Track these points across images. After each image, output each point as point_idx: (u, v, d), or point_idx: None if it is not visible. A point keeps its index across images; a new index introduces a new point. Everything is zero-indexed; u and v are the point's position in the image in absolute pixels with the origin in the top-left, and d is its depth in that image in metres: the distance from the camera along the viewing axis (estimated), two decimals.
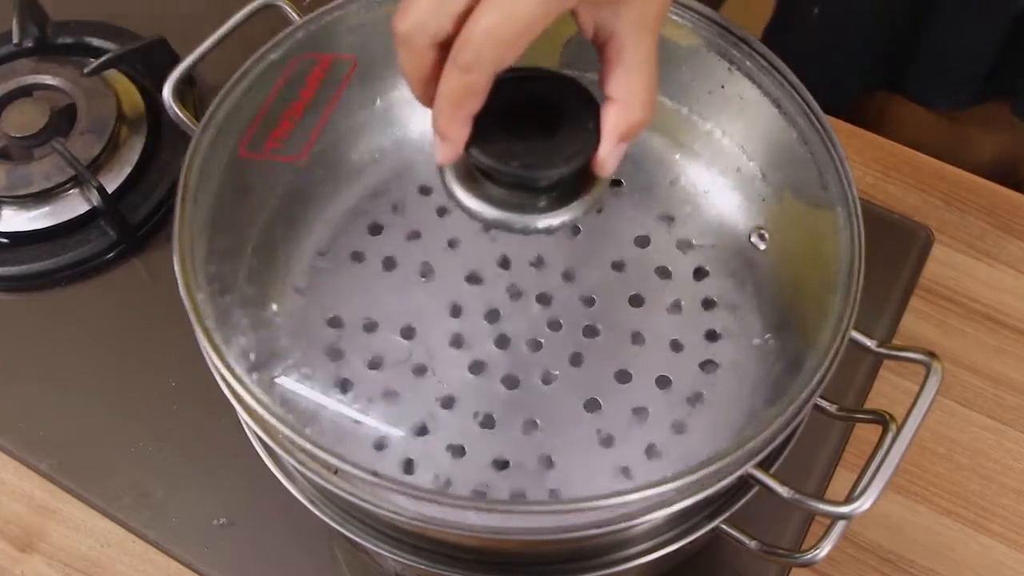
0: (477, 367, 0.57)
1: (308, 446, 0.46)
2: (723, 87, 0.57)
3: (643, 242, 0.60)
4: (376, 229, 0.61)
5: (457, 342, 0.57)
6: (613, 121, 0.40)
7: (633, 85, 0.40)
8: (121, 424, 0.66)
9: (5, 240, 0.71)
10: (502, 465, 0.54)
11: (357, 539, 0.50)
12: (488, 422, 0.55)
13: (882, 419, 0.48)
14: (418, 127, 0.63)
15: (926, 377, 0.48)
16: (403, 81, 0.62)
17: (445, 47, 0.38)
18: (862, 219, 0.50)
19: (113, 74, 0.75)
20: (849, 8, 0.80)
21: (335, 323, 0.58)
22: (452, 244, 0.60)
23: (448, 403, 0.56)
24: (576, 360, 0.57)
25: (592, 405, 0.56)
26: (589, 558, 0.50)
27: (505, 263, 0.60)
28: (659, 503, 0.45)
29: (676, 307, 0.58)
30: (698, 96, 0.59)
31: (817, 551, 0.47)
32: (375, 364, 0.57)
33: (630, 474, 0.54)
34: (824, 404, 0.50)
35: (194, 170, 0.53)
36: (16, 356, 0.69)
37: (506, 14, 0.36)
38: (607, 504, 0.45)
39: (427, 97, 0.40)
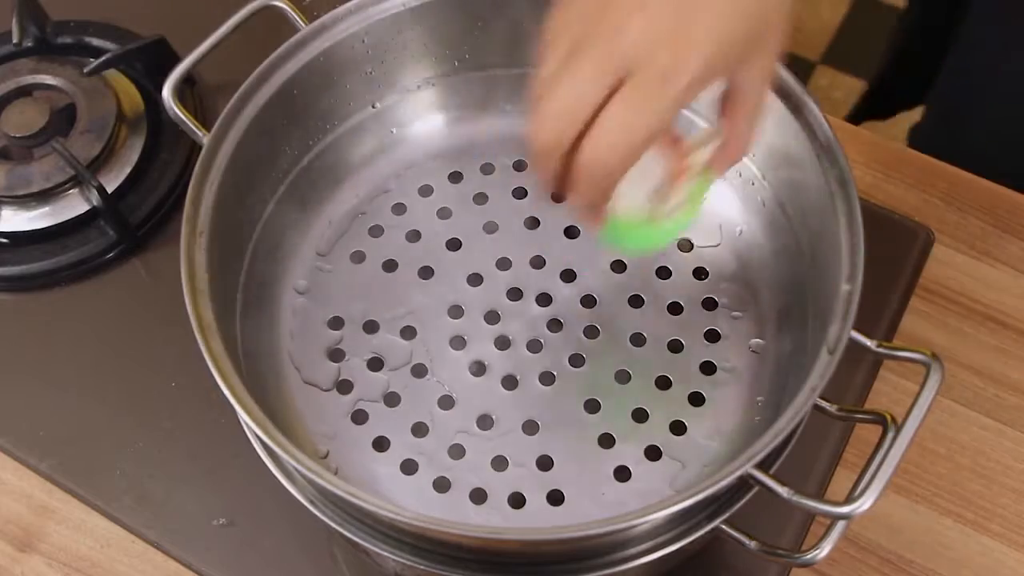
0: (477, 367, 0.57)
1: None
2: (723, 88, 0.57)
3: None
4: (376, 230, 0.61)
5: (457, 343, 0.57)
6: (723, 156, 0.46)
7: (748, 131, 0.45)
8: (121, 424, 0.65)
9: (5, 240, 0.71)
10: (502, 465, 0.54)
11: (357, 539, 0.50)
12: (488, 422, 0.55)
13: (882, 419, 0.48)
14: (418, 128, 0.63)
15: (926, 377, 0.48)
16: (403, 83, 0.62)
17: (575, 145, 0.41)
18: (862, 219, 0.50)
19: (113, 74, 0.75)
20: None
21: (335, 323, 0.58)
22: (452, 244, 0.60)
23: (448, 403, 0.56)
24: (576, 360, 0.57)
25: (592, 405, 0.56)
26: (589, 558, 0.50)
27: (505, 263, 0.60)
28: (659, 504, 0.45)
29: (676, 307, 0.58)
30: (698, 97, 0.59)
31: (817, 551, 0.47)
32: (375, 364, 0.57)
33: (629, 474, 0.54)
34: (824, 404, 0.50)
35: (206, 183, 0.53)
36: (16, 356, 0.69)
37: (627, 128, 0.39)
38: (612, 529, 0.46)
39: (559, 190, 0.43)
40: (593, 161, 0.40)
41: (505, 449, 0.55)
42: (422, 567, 0.49)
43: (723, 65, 0.41)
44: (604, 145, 0.40)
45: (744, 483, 0.49)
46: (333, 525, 0.50)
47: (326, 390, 0.57)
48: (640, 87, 0.39)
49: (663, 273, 0.59)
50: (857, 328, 0.49)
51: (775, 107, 0.55)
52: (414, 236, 0.61)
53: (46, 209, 0.71)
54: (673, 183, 0.47)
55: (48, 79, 0.74)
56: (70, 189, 0.71)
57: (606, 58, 0.39)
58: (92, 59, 0.74)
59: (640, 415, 0.55)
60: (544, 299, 0.58)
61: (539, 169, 0.41)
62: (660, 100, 0.39)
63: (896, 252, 0.68)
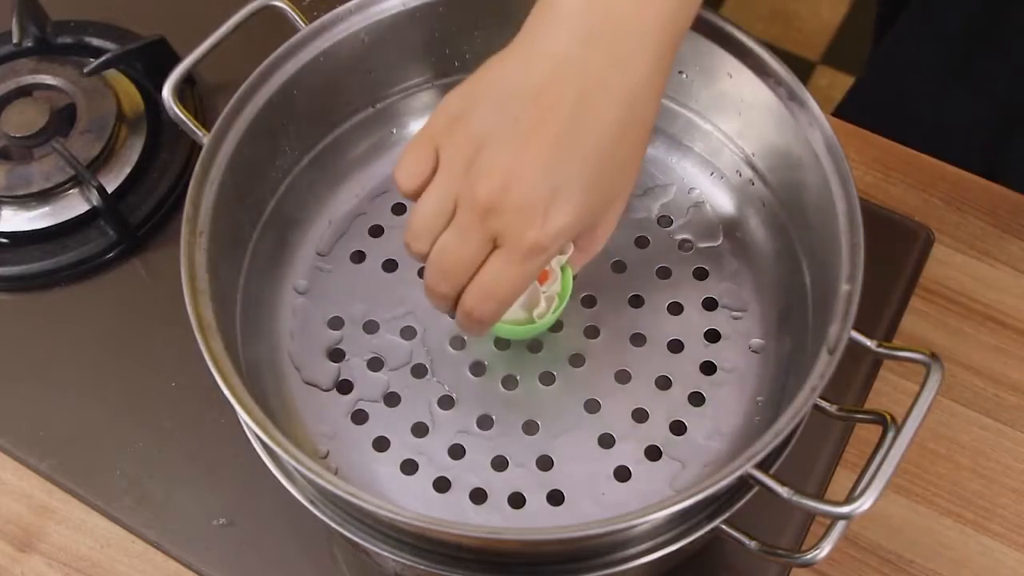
0: (477, 367, 0.57)
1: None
2: (723, 88, 0.57)
3: (643, 242, 0.60)
4: (376, 230, 0.61)
5: (457, 343, 0.57)
6: (577, 262, 0.54)
7: (598, 248, 0.53)
8: (121, 424, 0.65)
9: (5, 240, 0.71)
10: (502, 465, 0.54)
11: (357, 539, 0.50)
12: (488, 422, 0.55)
13: (882, 419, 0.48)
14: (418, 128, 0.63)
15: (926, 377, 0.48)
16: (403, 83, 0.62)
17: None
18: (862, 219, 0.50)
19: (113, 74, 0.75)
20: None
21: (335, 323, 0.58)
22: None
23: (448, 403, 0.56)
24: (576, 360, 0.57)
25: (592, 405, 0.56)
26: (589, 558, 0.50)
27: None
28: (659, 504, 0.45)
29: (676, 307, 0.58)
30: (698, 97, 0.59)
31: (817, 551, 0.47)
32: (375, 364, 0.57)
33: (629, 474, 0.54)
34: (824, 404, 0.49)
35: (206, 183, 0.53)
36: (16, 356, 0.69)
37: (499, 288, 0.48)
38: (612, 529, 0.46)
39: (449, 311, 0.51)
40: (472, 311, 0.49)
41: (505, 449, 0.55)
42: (422, 567, 0.49)
43: (582, 230, 0.48)
44: (480, 300, 0.48)
45: (744, 483, 0.49)
46: (333, 525, 0.50)
47: (326, 390, 0.57)
48: (510, 258, 0.47)
49: (663, 273, 0.59)
50: (857, 328, 0.49)
51: (775, 107, 0.55)
52: None
53: (46, 209, 0.71)
54: (540, 289, 0.54)
55: (48, 79, 0.74)
56: (70, 189, 0.71)
57: (482, 232, 0.47)
58: (92, 59, 0.74)
59: (640, 415, 0.55)
60: None
61: (438, 304, 0.51)
62: (526, 267, 0.47)
63: (896, 252, 0.68)
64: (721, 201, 0.60)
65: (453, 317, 0.50)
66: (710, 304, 0.58)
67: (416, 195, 0.49)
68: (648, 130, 0.49)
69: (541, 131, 0.46)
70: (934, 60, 0.79)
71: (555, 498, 0.53)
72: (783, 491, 0.46)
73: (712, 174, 0.61)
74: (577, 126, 0.46)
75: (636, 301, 0.58)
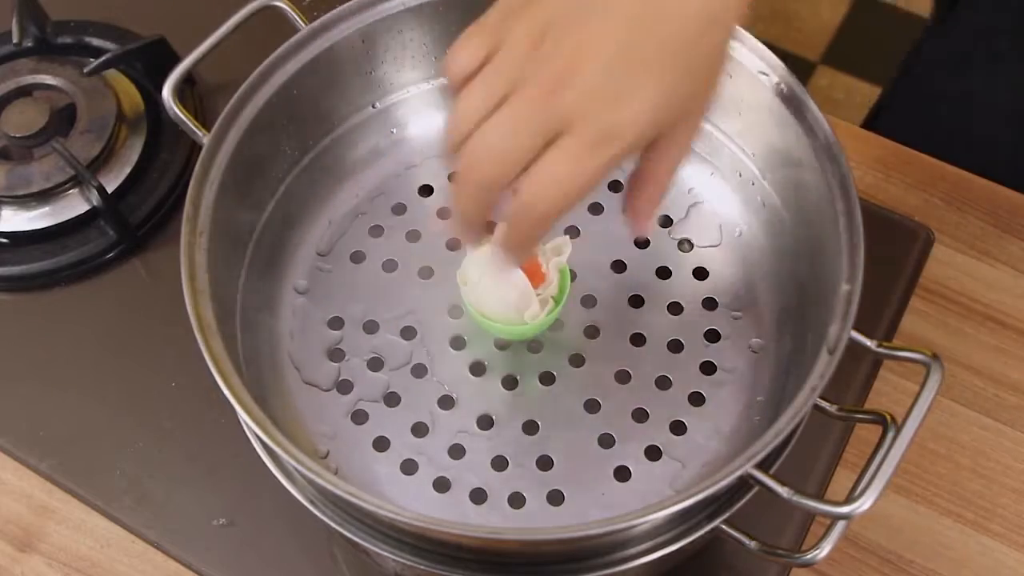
0: (477, 367, 0.57)
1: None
2: (723, 89, 0.57)
3: (643, 242, 0.60)
4: (376, 230, 0.61)
5: (457, 343, 0.57)
6: (663, 174, 0.45)
7: (667, 177, 0.45)
8: (121, 424, 0.65)
9: (5, 240, 0.71)
10: (502, 465, 0.54)
11: (357, 539, 0.50)
12: (488, 422, 0.55)
13: (882, 419, 0.48)
14: (418, 128, 0.63)
15: (926, 377, 0.48)
16: (403, 83, 0.62)
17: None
18: (862, 219, 0.50)
19: (113, 74, 0.75)
20: None
21: (335, 323, 0.58)
22: (452, 244, 0.60)
23: (448, 403, 0.56)
24: (576, 360, 0.57)
25: (592, 405, 0.56)
26: (589, 558, 0.50)
27: None
28: (659, 504, 0.45)
29: (676, 307, 0.58)
30: None
31: (817, 551, 0.47)
32: (375, 364, 0.57)
33: (629, 474, 0.54)
34: (824, 404, 0.50)
35: (206, 183, 0.53)
36: (16, 356, 0.69)
37: (563, 182, 0.41)
38: (612, 529, 0.46)
39: (472, 236, 0.44)
40: (529, 207, 0.41)
41: (505, 449, 0.55)
42: (422, 567, 0.49)
43: (656, 131, 0.43)
44: (543, 186, 0.41)
45: (744, 483, 0.49)
46: (333, 525, 0.50)
47: (326, 390, 0.57)
48: (577, 148, 0.41)
49: (663, 273, 0.59)
50: (857, 328, 0.49)
51: (775, 107, 0.55)
52: (414, 236, 0.61)
53: (46, 209, 0.71)
54: (534, 290, 0.53)
55: (48, 79, 0.74)
56: (70, 189, 0.71)
57: (547, 111, 0.40)
58: (92, 59, 0.74)
59: (640, 415, 0.55)
60: None
61: (469, 201, 0.43)
62: (594, 160, 0.41)
63: (896, 252, 0.68)
64: (721, 201, 0.60)
65: (470, 239, 0.44)
66: (710, 304, 0.58)
67: (466, 84, 0.43)
68: (729, 37, 0.44)
69: (616, 9, 0.41)
70: (974, 59, 0.78)
71: (555, 498, 0.54)
72: (783, 491, 0.46)
73: (712, 174, 0.61)
74: (656, 6, 0.41)
75: (636, 301, 0.58)
